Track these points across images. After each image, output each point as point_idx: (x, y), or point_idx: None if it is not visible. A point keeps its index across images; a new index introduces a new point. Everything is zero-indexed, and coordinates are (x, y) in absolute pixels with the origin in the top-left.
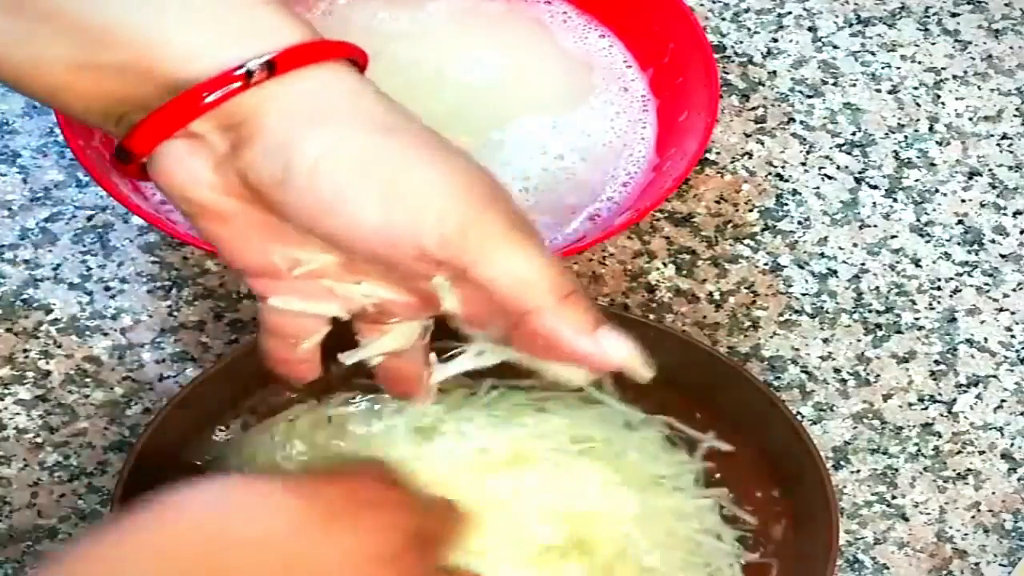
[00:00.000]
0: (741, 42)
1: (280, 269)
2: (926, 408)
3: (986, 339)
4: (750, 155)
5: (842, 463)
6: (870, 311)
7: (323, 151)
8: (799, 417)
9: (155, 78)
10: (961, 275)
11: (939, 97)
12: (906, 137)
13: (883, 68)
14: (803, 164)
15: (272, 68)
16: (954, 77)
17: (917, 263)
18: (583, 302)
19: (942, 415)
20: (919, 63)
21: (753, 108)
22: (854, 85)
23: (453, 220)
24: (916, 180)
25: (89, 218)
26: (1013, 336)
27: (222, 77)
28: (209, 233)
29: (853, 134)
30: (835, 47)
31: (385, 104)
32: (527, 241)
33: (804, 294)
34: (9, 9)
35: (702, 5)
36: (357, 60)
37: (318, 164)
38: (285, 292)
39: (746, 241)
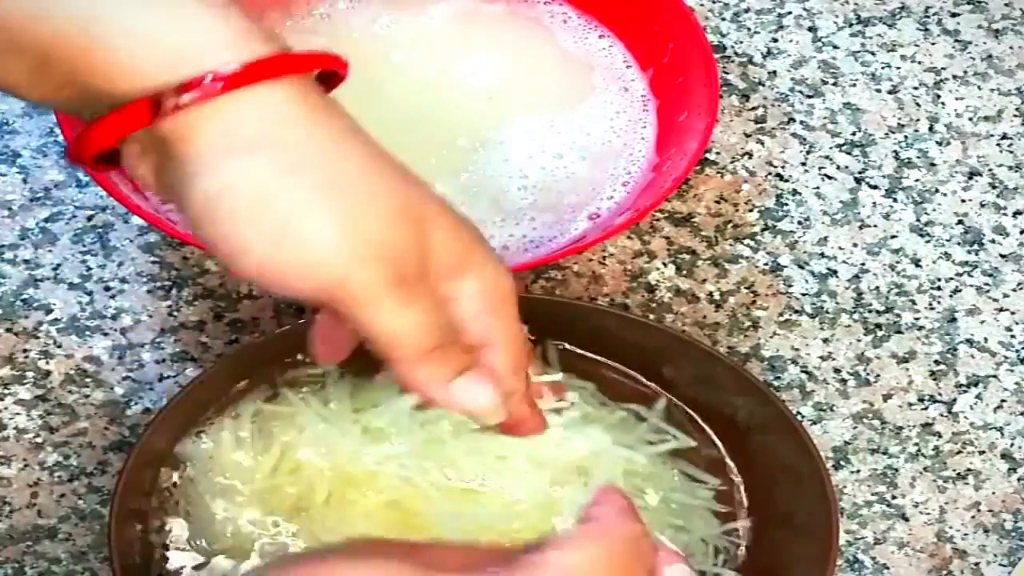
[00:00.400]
0: (741, 42)
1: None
2: (926, 408)
3: (986, 339)
4: (750, 155)
5: (842, 463)
6: (870, 311)
7: (227, 183)
8: (799, 417)
9: (98, 93)
10: (961, 275)
11: (939, 97)
12: (906, 137)
13: (883, 68)
14: (803, 164)
15: (199, 91)
16: (954, 77)
17: (917, 263)
18: (449, 354)
19: (942, 415)
20: (919, 63)
21: (753, 108)
22: (854, 85)
23: (332, 271)
24: (916, 180)
25: (89, 218)
26: (1013, 336)
27: (143, 100)
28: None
29: (853, 134)
30: (835, 47)
31: (320, 133)
32: (405, 297)
33: (804, 294)
34: None
35: (702, 5)
36: (335, 70)
37: (220, 195)
38: None
39: (746, 241)
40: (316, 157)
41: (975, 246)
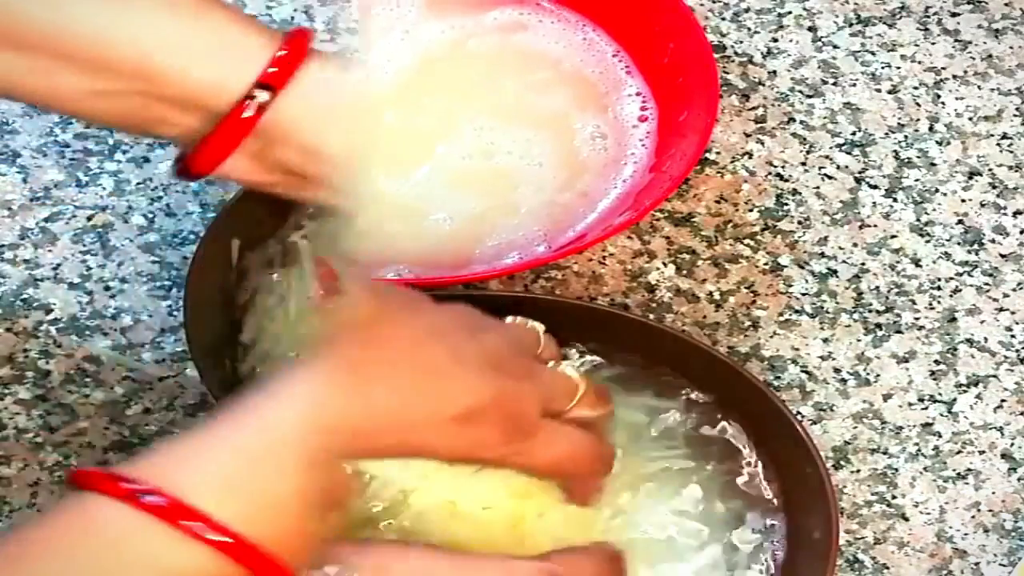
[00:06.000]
0: (741, 42)
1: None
2: (926, 408)
3: (986, 339)
4: (750, 155)
5: (842, 463)
6: (870, 311)
7: (348, 146)
8: (799, 417)
9: (185, 106)
10: (961, 275)
11: (939, 97)
12: (906, 137)
13: (883, 68)
14: (803, 164)
15: (273, 89)
16: (954, 77)
17: (917, 263)
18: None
19: (942, 415)
20: (919, 63)
21: (753, 108)
22: (854, 85)
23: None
24: (916, 180)
25: (89, 218)
26: (1013, 336)
27: (241, 103)
28: (275, 191)
29: (853, 134)
30: (835, 47)
31: (349, 79)
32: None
33: (804, 294)
34: (27, 48)
35: (702, 5)
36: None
37: (349, 157)
38: None
39: (746, 241)
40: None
41: (975, 246)
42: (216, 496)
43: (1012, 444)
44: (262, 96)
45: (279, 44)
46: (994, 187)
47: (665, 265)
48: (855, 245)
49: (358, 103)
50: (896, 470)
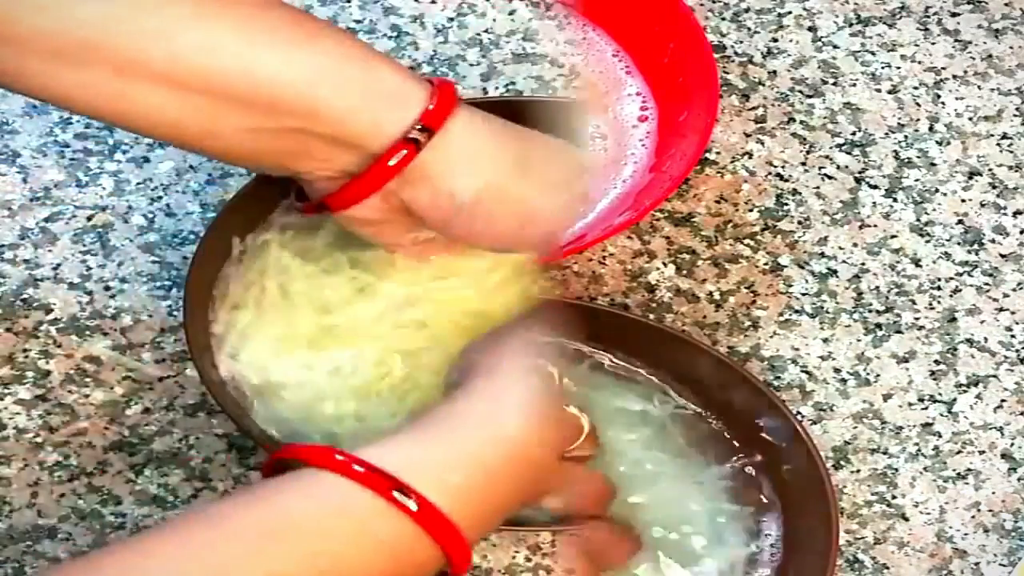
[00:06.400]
0: (741, 42)
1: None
2: (926, 408)
3: (986, 339)
4: (750, 155)
5: (842, 463)
6: (870, 311)
7: (477, 194)
8: (799, 417)
9: (340, 144)
10: (961, 275)
11: (939, 97)
12: (906, 137)
13: (883, 68)
14: (803, 164)
15: (430, 132)
16: (954, 77)
17: (917, 263)
18: None
19: (942, 415)
20: (919, 63)
21: (753, 108)
22: (854, 85)
23: (553, 234)
24: (916, 180)
25: (89, 218)
26: (1013, 336)
27: (398, 145)
28: (368, 232)
29: (853, 134)
30: (835, 47)
31: (497, 132)
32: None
33: (804, 294)
34: (193, 91)
35: (702, 5)
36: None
37: (475, 204)
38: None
39: (746, 241)
40: (515, 156)
41: (975, 246)
42: (431, 484)
43: (1012, 444)
44: (420, 137)
45: (431, 91)
46: (994, 187)
47: (665, 265)
48: (855, 245)
49: (496, 152)
50: (896, 470)
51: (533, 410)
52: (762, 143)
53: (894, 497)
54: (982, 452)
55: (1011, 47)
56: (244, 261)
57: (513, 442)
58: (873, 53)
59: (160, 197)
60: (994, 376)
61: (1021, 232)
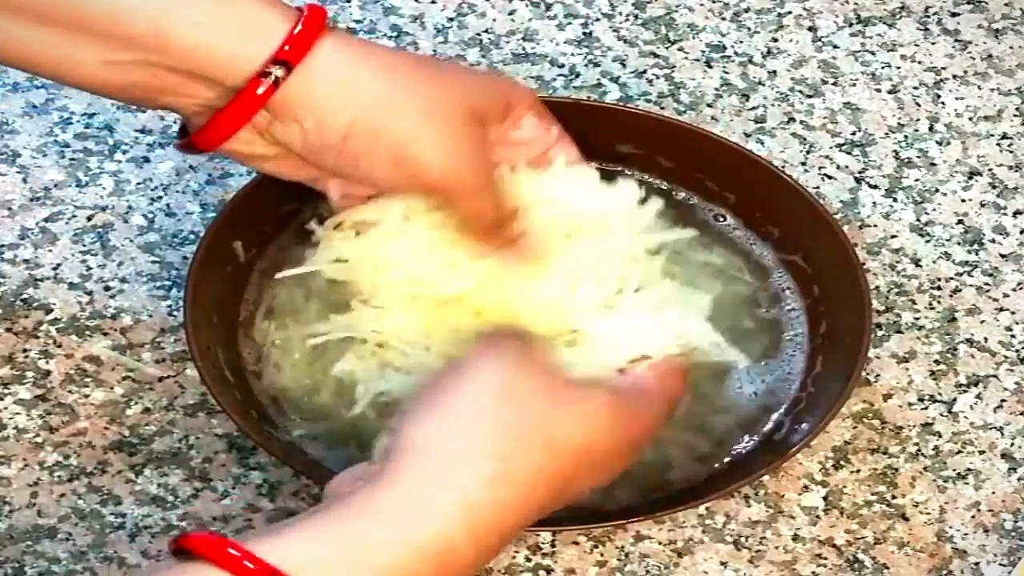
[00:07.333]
0: (741, 42)
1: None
2: (926, 408)
3: (986, 339)
4: None
5: (842, 463)
6: None
7: (346, 130)
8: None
9: (198, 79)
10: (961, 275)
11: (939, 97)
12: (906, 137)
13: (883, 68)
14: (803, 164)
15: (288, 65)
16: (954, 77)
17: (917, 263)
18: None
19: (942, 415)
20: (919, 63)
21: (753, 108)
22: (854, 85)
23: (439, 171)
24: (916, 180)
25: (89, 218)
26: (1013, 336)
27: (255, 79)
28: (262, 167)
29: (853, 134)
30: (835, 47)
31: (376, 64)
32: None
33: None
34: (45, 19)
35: (702, 5)
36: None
37: (343, 141)
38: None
39: None
40: (393, 89)
41: (975, 246)
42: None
43: (1012, 444)
44: (277, 72)
45: (295, 21)
46: (994, 187)
47: None
48: (855, 245)
49: (370, 83)
50: (896, 470)
51: (469, 506)
52: (762, 143)
53: (894, 497)
54: (982, 452)
55: (1011, 47)
56: None
57: (437, 548)
58: (873, 53)
59: (160, 197)
60: (994, 376)
61: (1021, 232)
